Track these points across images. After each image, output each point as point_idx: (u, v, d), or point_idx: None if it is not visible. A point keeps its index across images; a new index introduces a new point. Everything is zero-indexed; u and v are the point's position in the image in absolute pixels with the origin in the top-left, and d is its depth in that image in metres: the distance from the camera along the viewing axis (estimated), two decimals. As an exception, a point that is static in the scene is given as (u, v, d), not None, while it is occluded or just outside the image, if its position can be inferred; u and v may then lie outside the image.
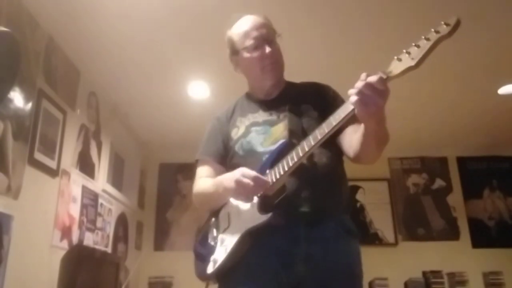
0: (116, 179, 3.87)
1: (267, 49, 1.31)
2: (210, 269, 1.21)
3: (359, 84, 0.96)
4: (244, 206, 1.19)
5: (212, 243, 1.26)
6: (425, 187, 4.52)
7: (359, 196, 4.46)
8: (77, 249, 2.54)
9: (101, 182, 3.14)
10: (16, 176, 2.03)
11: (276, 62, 1.34)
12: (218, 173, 1.33)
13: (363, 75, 0.97)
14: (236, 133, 1.35)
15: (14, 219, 1.98)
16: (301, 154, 1.09)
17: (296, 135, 1.22)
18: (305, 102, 1.32)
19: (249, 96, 1.44)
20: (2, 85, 1.78)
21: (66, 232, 2.52)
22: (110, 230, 3.33)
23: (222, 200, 1.27)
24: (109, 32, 2.47)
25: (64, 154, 2.52)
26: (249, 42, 1.33)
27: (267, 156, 1.21)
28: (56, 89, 2.48)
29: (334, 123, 1.04)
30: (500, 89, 3.25)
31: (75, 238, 2.64)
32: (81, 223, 2.74)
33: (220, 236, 1.24)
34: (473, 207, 4.41)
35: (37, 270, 2.21)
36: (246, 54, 1.34)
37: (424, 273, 4.02)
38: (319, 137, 1.06)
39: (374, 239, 4.31)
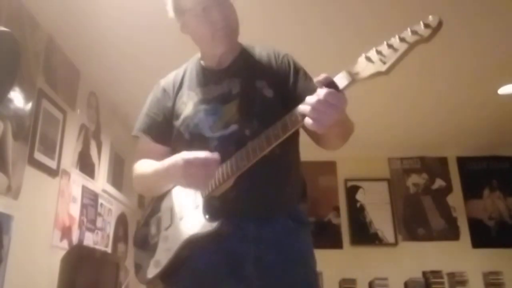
0: (116, 179, 3.86)
1: (218, 12, 1.13)
2: (151, 272, 1.11)
3: (311, 100, 0.88)
4: (188, 206, 1.09)
5: (154, 240, 1.15)
6: (425, 187, 4.52)
7: (359, 196, 4.47)
8: (77, 249, 2.54)
9: (101, 182, 3.15)
10: (16, 176, 2.03)
11: (227, 26, 1.15)
12: (159, 153, 1.19)
13: (321, 77, 0.88)
14: (182, 110, 1.18)
15: (14, 219, 1.98)
16: (251, 157, 0.99)
17: (248, 121, 1.09)
18: (260, 77, 1.16)
19: (199, 64, 1.26)
20: (2, 85, 1.77)
21: (66, 232, 2.52)
22: (110, 230, 3.33)
23: (162, 188, 1.17)
24: (109, 32, 2.47)
25: (64, 154, 2.52)
26: (196, 4, 1.14)
27: (215, 143, 1.09)
28: (56, 89, 2.48)
29: (290, 127, 0.94)
30: (500, 89, 3.25)
31: (75, 238, 2.64)
32: (81, 223, 2.74)
33: (162, 234, 1.13)
34: (473, 207, 4.41)
35: (37, 270, 2.21)
36: (193, 18, 1.16)
37: (424, 273, 4.03)
38: (273, 141, 0.96)
39: (374, 239, 4.31)
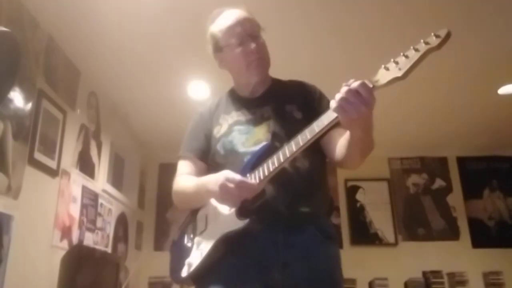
0: (116, 179, 3.87)
1: (252, 45, 1.26)
2: (184, 272, 1.19)
3: (343, 89, 0.93)
4: (222, 209, 1.16)
5: (189, 244, 1.24)
6: (425, 187, 4.52)
7: (359, 196, 4.47)
8: (77, 249, 2.54)
9: (101, 182, 3.14)
10: (16, 176, 2.03)
11: (262, 58, 1.30)
12: (200, 170, 1.31)
13: (350, 81, 0.94)
14: (218, 131, 1.31)
15: (14, 219, 1.98)
16: (282, 160, 1.06)
17: (278, 138, 1.19)
18: (290, 102, 1.28)
19: (233, 93, 1.40)
20: (2, 85, 1.78)
21: (66, 232, 2.52)
22: (110, 230, 3.33)
23: (203, 202, 1.24)
24: (109, 32, 2.47)
25: (64, 154, 2.52)
26: (233, 39, 1.28)
27: (248, 157, 1.17)
28: (56, 89, 2.48)
29: (317, 130, 1.01)
30: (500, 89, 3.25)
31: (75, 238, 2.64)
32: (81, 223, 2.74)
33: (197, 239, 1.21)
34: (473, 207, 4.42)
35: (37, 270, 2.21)
36: (230, 51, 1.30)
37: (424, 273, 4.03)
38: (301, 143, 1.03)
39: (374, 239, 4.31)
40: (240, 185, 1.06)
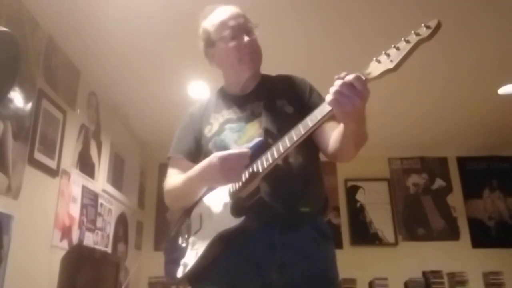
0: (116, 179, 3.87)
1: (245, 38, 1.25)
2: (180, 273, 1.17)
3: (337, 82, 0.93)
4: (217, 208, 1.15)
5: (183, 244, 1.21)
6: (425, 187, 4.52)
7: (359, 196, 4.47)
8: (77, 249, 2.54)
9: (101, 182, 3.15)
10: (16, 176, 2.03)
11: (254, 52, 1.29)
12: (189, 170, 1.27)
13: (343, 74, 0.94)
14: (209, 130, 1.29)
15: (14, 219, 1.98)
16: (276, 156, 1.04)
17: (271, 134, 1.17)
18: (281, 97, 1.27)
19: (223, 91, 1.39)
20: (2, 85, 1.78)
21: (66, 232, 2.52)
22: (110, 230, 3.33)
23: (195, 194, 1.22)
24: (109, 32, 2.47)
25: (64, 154, 2.52)
26: (227, 32, 1.26)
27: None
28: (56, 89, 2.48)
29: (310, 125, 1.00)
30: (500, 89, 3.25)
31: (75, 238, 2.64)
32: (81, 223, 2.74)
33: (191, 239, 1.20)
34: (473, 207, 4.42)
35: (37, 270, 2.21)
36: (223, 45, 1.28)
37: (424, 273, 4.03)
38: (295, 139, 1.02)
39: (374, 239, 4.31)
40: (239, 157, 1.06)
